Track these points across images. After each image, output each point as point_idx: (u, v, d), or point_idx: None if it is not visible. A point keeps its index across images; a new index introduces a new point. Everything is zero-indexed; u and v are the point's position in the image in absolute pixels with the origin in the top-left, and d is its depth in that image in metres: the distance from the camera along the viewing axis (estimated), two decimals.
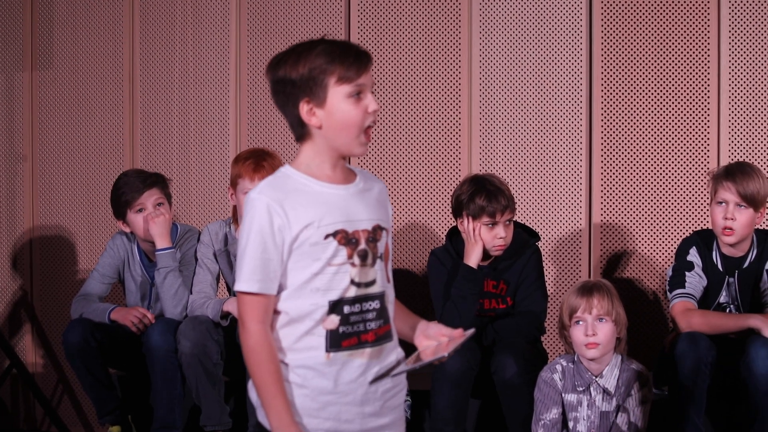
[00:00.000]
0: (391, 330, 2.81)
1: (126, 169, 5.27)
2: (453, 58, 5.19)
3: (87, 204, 5.66)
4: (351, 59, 2.74)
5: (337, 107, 2.74)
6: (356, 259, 2.73)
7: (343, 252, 2.73)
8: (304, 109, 2.75)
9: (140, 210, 4.81)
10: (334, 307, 2.72)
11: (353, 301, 2.74)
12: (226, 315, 4.66)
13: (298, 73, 2.74)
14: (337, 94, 2.73)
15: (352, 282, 2.73)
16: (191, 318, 4.67)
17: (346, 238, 2.73)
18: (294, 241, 2.71)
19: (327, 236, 2.71)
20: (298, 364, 2.73)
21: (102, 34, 5.64)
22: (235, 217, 4.80)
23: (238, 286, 2.73)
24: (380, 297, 2.78)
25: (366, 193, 2.83)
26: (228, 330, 4.66)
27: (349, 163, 2.89)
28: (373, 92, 2.77)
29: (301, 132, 2.79)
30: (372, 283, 2.77)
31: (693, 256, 4.40)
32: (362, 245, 2.75)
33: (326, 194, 2.76)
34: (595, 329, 4.02)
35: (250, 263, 2.71)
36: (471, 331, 2.80)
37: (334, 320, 2.72)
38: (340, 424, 2.75)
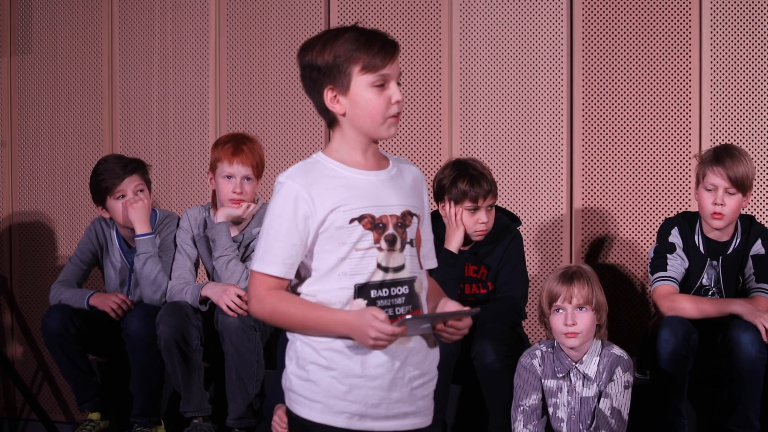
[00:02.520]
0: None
1: (105, 154, 5.24)
2: (434, 42, 5.16)
3: (66, 190, 5.63)
4: (376, 48, 2.75)
5: (361, 96, 2.76)
6: (383, 244, 2.76)
7: (370, 237, 2.75)
8: (328, 96, 2.78)
9: (121, 196, 4.78)
10: (360, 290, 2.74)
11: (380, 285, 2.76)
12: (204, 300, 4.63)
13: (324, 60, 2.76)
14: (361, 82, 2.76)
15: (379, 266, 2.75)
16: (170, 303, 4.65)
17: (372, 223, 2.75)
18: (320, 226, 2.74)
19: (352, 220, 2.74)
20: (325, 346, 2.75)
21: (81, 19, 5.60)
22: (214, 202, 4.78)
23: (259, 267, 2.76)
24: (409, 282, 2.80)
25: (398, 179, 2.85)
26: (207, 315, 4.64)
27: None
28: (399, 82, 2.79)
29: (328, 118, 2.82)
30: (400, 268, 2.78)
31: (674, 236, 4.38)
32: (390, 230, 2.76)
33: (354, 179, 2.78)
34: (574, 319, 3.99)
35: (273, 246, 2.74)
36: (476, 309, 2.85)
37: (360, 304, 2.74)
38: (367, 408, 2.76)
